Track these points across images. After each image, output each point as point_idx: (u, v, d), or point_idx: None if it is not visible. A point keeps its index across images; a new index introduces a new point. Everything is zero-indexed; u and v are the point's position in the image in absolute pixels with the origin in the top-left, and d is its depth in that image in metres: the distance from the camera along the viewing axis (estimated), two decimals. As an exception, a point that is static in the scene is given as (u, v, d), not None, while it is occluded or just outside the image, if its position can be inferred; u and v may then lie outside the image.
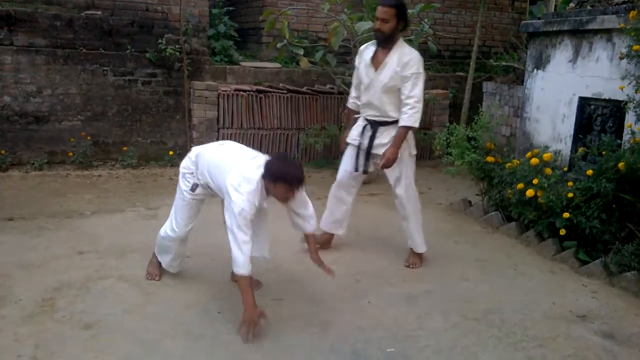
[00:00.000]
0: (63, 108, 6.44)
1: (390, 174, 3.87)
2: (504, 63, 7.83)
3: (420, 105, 3.66)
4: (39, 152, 6.35)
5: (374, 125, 3.83)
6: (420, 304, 3.42)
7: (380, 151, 3.79)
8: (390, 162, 3.72)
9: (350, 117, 4.12)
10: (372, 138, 3.82)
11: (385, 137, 3.79)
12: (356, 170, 3.95)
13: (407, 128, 3.69)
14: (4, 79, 6.15)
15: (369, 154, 3.89)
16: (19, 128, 6.28)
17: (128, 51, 6.57)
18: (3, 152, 6.09)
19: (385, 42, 3.70)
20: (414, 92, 3.64)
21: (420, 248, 4.03)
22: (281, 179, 2.89)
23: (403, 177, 3.87)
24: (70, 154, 6.37)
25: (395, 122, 3.75)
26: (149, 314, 3.15)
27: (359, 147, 3.91)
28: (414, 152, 3.95)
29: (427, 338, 3.02)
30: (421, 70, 3.67)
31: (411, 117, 3.65)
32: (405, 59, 3.64)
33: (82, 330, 2.94)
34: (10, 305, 3.15)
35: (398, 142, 3.70)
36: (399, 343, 2.95)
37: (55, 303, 3.20)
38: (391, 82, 3.69)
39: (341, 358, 2.79)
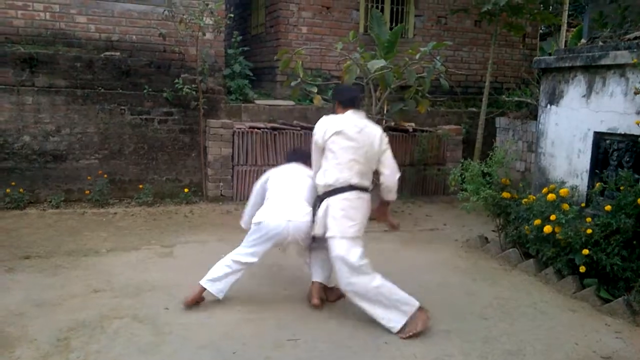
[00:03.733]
0: (81, 147, 6.55)
1: None
2: (516, 98, 7.86)
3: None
4: (56, 190, 6.44)
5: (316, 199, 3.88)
6: (439, 344, 3.34)
7: (316, 228, 3.74)
8: None
9: None
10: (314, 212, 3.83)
11: (318, 214, 3.76)
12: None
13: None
14: (25, 119, 6.30)
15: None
16: (37, 167, 6.39)
17: (145, 91, 6.72)
18: (21, 190, 6.19)
19: None
20: None
21: (394, 328, 3.47)
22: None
23: (335, 255, 3.60)
24: (87, 192, 6.45)
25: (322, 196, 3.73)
26: (163, 354, 3.11)
27: None
28: (331, 234, 3.56)
29: (447, 380, 2.93)
30: (313, 133, 3.77)
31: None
32: None
33: (97, 371, 2.91)
34: (24, 346, 3.13)
35: None
36: (418, 385, 2.87)
37: (70, 343, 3.18)
38: None
39: (359, 401, 2.72)
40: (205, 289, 3.69)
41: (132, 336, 3.31)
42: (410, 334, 3.38)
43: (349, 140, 3.58)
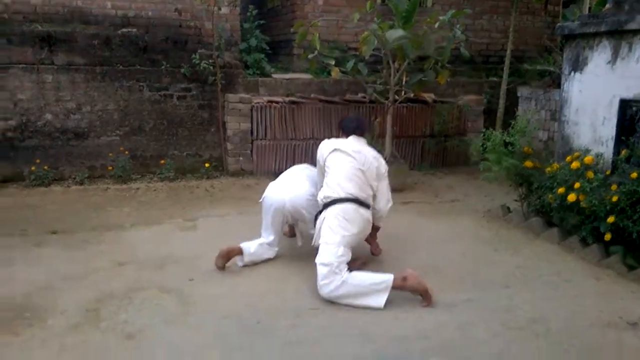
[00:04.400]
0: (102, 124, 6.62)
1: None
2: (538, 67, 7.69)
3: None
4: (79, 167, 6.53)
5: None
6: (461, 312, 3.35)
7: (315, 239, 3.89)
8: None
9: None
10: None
11: (317, 224, 3.89)
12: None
13: None
14: (46, 97, 6.37)
15: None
16: (60, 144, 6.48)
17: (163, 67, 6.72)
18: (46, 168, 6.29)
19: None
20: None
21: (380, 306, 3.45)
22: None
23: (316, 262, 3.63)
24: (110, 168, 6.53)
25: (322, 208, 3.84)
26: (188, 325, 3.17)
27: None
28: (323, 240, 3.62)
29: (470, 348, 2.94)
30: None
31: None
32: None
33: (125, 340, 2.98)
34: (56, 316, 3.22)
35: None
36: (442, 353, 2.88)
37: (99, 313, 3.26)
38: None
39: (382, 368, 2.75)
40: (241, 249, 3.93)
41: (157, 307, 3.38)
42: (428, 302, 3.40)
43: (347, 156, 3.79)
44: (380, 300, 3.39)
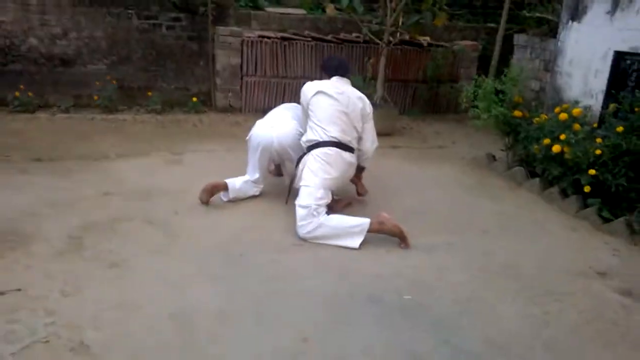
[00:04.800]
0: (89, 51, 6.45)
1: None
2: (537, 14, 7.52)
3: None
4: (65, 95, 6.42)
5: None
6: (440, 255, 3.44)
7: (296, 181, 3.94)
8: None
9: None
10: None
11: (299, 166, 3.90)
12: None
13: None
14: (30, 21, 6.17)
15: None
16: (45, 71, 6.34)
17: (152, -6, 6.49)
18: (30, 94, 6.17)
19: None
20: None
21: (355, 246, 3.53)
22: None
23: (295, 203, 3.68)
24: (96, 97, 6.43)
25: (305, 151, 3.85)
26: (172, 255, 3.23)
27: None
28: (304, 183, 3.66)
29: (445, 289, 3.05)
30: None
31: None
32: None
33: (108, 269, 3.03)
34: (40, 243, 3.25)
35: None
36: (416, 292, 2.99)
37: (83, 242, 3.30)
38: None
39: (359, 303, 2.85)
40: (225, 184, 3.96)
41: (142, 237, 3.43)
42: (405, 243, 3.50)
43: (330, 98, 3.71)
44: (355, 242, 3.47)
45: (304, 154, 3.77)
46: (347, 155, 3.73)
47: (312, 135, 3.72)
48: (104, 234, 3.43)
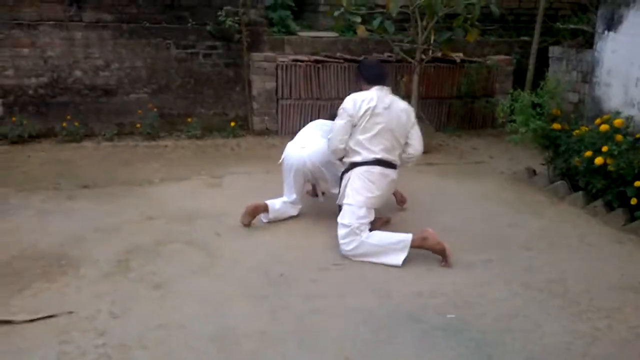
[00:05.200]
0: (130, 81, 6.70)
1: None
2: (571, 26, 7.43)
3: (331, 135, 3.80)
4: (108, 123, 6.66)
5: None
6: (481, 272, 3.40)
7: (339, 198, 3.87)
8: None
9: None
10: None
11: (342, 184, 3.85)
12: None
13: None
14: (75, 54, 6.46)
15: None
16: (89, 101, 6.60)
17: (189, 24, 6.72)
18: (77, 124, 6.43)
19: None
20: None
21: (398, 264, 3.52)
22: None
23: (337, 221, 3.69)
24: (138, 125, 6.65)
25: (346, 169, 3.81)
26: (214, 276, 3.30)
27: None
28: (347, 201, 3.64)
29: (487, 306, 3.00)
30: (343, 105, 3.73)
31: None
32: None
33: (153, 290, 3.12)
34: (88, 266, 3.38)
35: None
36: (458, 310, 2.95)
37: (129, 264, 3.41)
38: None
39: (400, 322, 2.83)
40: (267, 205, 4.00)
41: (185, 259, 3.51)
42: (447, 261, 3.45)
43: (377, 117, 3.63)
44: (398, 259, 3.46)
45: (346, 170, 3.76)
46: (390, 172, 3.70)
47: (355, 154, 3.69)
48: (148, 256, 3.53)
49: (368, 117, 3.62)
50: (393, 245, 3.49)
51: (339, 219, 3.63)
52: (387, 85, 3.82)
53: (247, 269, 3.38)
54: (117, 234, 3.88)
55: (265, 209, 4.04)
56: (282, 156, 4.13)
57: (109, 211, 4.30)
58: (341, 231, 3.57)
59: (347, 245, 3.54)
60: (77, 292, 3.07)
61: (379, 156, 3.66)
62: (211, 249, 3.66)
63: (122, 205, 4.43)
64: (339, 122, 3.71)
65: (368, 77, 3.81)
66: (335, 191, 3.99)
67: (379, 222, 3.98)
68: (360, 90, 3.80)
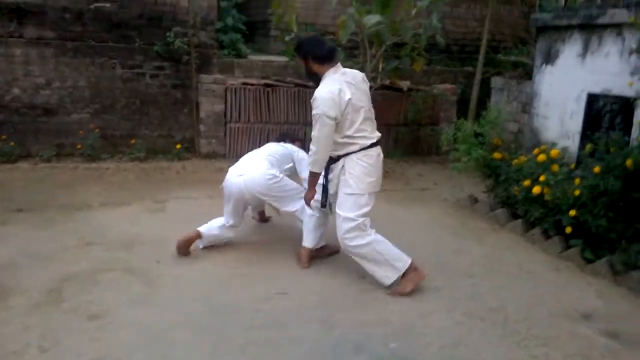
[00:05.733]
0: (72, 101, 6.48)
1: None
2: (513, 58, 7.78)
3: (313, 149, 3.39)
4: (47, 144, 6.40)
5: (329, 161, 3.56)
6: (426, 300, 3.42)
7: (330, 187, 3.60)
8: (305, 199, 3.65)
9: None
10: (326, 173, 3.60)
11: (334, 173, 3.57)
12: (322, 206, 3.69)
13: (310, 172, 3.50)
14: (14, 72, 6.20)
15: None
16: (28, 120, 6.34)
17: (136, 44, 6.60)
18: (12, 144, 6.14)
19: (314, 81, 3.58)
20: (312, 134, 3.41)
21: (385, 283, 3.52)
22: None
23: (336, 217, 3.54)
24: (79, 146, 6.41)
25: (337, 158, 3.53)
26: (155, 306, 3.17)
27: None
28: (350, 191, 3.46)
29: (432, 335, 3.02)
30: (319, 111, 3.33)
31: (309, 161, 3.48)
32: (312, 98, 3.43)
33: (88, 320, 2.97)
34: (18, 296, 3.19)
35: (309, 184, 3.58)
36: (402, 339, 2.95)
37: (62, 294, 3.24)
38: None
39: (344, 352, 2.80)
40: (200, 234, 3.88)
41: (124, 288, 3.37)
42: (398, 293, 3.44)
43: (356, 102, 3.41)
44: (389, 278, 3.45)
45: (335, 159, 3.52)
46: (380, 149, 3.56)
47: (348, 146, 3.44)
48: (84, 285, 3.37)
49: (350, 109, 3.38)
50: (393, 261, 3.45)
51: (340, 211, 3.44)
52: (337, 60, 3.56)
53: (188, 298, 3.27)
54: (52, 260, 3.69)
55: (198, 236, 3.90)
56: (223, 181, 3.98)
57: (44, 237, 4.09)
58: (346, 224, 3.41)
59: (351, 240, 3.42)
60: (4, 325, 2.88)
61: (374, 139, 3.50)
62: (151, 276, 3.53)
63: (59, 231, 4.23)
64: (324, 130, 3.35)
65: (319, 55, 3.46)
66: (288, 209, 3.92)
67: (324, 252, 3.96)
68: (312, 73, 3.52)
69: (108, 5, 6.57)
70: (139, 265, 3.68)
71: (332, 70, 3.47)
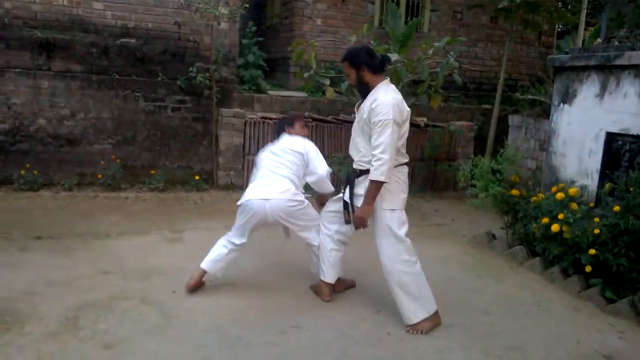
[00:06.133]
0: (95, 131, 6.64)
1: (374, 229, 3.51)
2: (530, 96, 7.81)
3: (385, 157, 3.21)
4: (69, 173, 6.53)
5: (353, 174, 3.51)
6: (441, 337, 3.37)
7: (357, 202, 3.44)
8: (358, 221, 3.41)
9: None
10: (351, 188, 3.48)
11: (361, 188, 3.43)
12: (346, 222, 3.55)
13: (374, 182, 3.28)
14: (40, 103, 6.39)
15: (351, 205, 3.49)
16: (51, 150, 6.49)
17: (160, 78, 6.78)
18: (36, 172, 6.28)
19: (362, 92, 3.46)
20: (379, 141, 3.23)
21: (410, 320, 3.46)
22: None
23: (379, 234, 3.46)
24: (100, 176, 6.54)
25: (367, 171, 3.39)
26: (169, 337, 3.17)
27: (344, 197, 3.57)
28: (390, 206, 3.40)
29: (447, 372, 2.96)
30: (390, 117, 3.21)
31: (376, 170, 3.24)
32: (374, 104, 3.27)
33: (103, 350, 2.97)
34: (34, 323, 3.21)
35: (367, 198, 3.34)
36: (418, 376, 2.90)
37: (79, 322, 3.26)
38: (360, 128, 3.43)
39: (359, 389, 2.76)
40: (205, 271, 3.79)
41: (139, 318, 3.37)
42: (417, 330, 3.41)
43: (408, 118, 3.42)
44: (417, 316, 3.40)
45: (358, 174, 3.45)
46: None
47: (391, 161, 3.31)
48: (100, 313, 3.38)
49: (406, 123, 3.38)
50: (424, 301, 3.43)
51: (393, 228, 3.36)
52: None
53: (202, 330, 3.26)
54: (69, 288, 3.72)
55: (204, 274, 3.80)
56: (242, 199, 3.78)
57: (62, 264, 4.14)
58: (399, 245, 3.37)
59: (400, 264, 3.38)
60: (19, 351, 2.90)
61: (407, 159, 3.51)
62: (167, 307, 3.53)
63: (77, 259, 4.28)
64: (394, 136, 3.25)
65: (374, 64, 3.37)
66: (304, 235, 3.85)
67: (341, 286, 3.94)
68: (363, 83, 3.41)
69: (133, 41, 6.79)
70: (155, 296, 3.69)
71: (385, 82, 3.40)
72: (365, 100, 3.40)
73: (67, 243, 4.61)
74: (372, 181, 3.28)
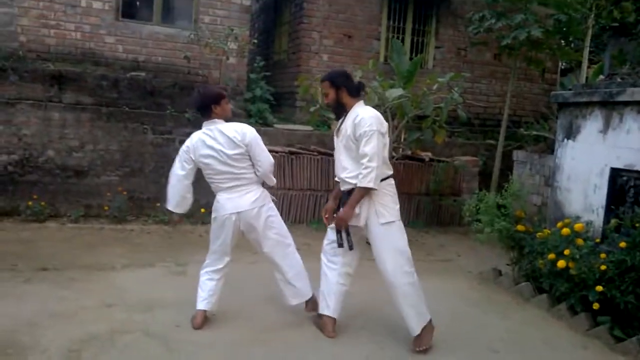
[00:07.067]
0: (102, 163, 6.70)
1: (372, 247, 3.58)
2: (534, 132, 7.86)
3: (373, 164, 3.33)
4: (76, 205, 6.57)
5: (345, 196, 3.58)
6: (447, 374, 3.32)
7: (353, 222, 3.50)
8: (339, 220, 3.50)
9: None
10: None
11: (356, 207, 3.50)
12: (339, 246, 3.60)
13: (362, 189, 3.39)
14: (50, 134, 6.48)
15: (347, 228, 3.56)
16: (59, 181, 6.54)
17: (168, 111, 6.88)
18: (42, 203, 6.32)
19: (339, 112, 3.65)
20: (366, 150, 3.36)
21: (415, 330, 3.59)
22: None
23: (379, 251, 3.52)
24: (106, 207, 6.56)
25: None
26: (171, 371, 3.14)
27: None
28: (386, 219, 3.49)
29: (453, 411, 2.91)
30: (374, 127, 3.38)
31: (364, 177, 3.34)
32: (357, 119, 3.43)
33: (105, 384, 2.94)
34: (37, 355, 3.19)
35: (351, 202, 3.43)
36: (423, 415, 2.85)
37: (81, 355, 3.23)
38: (344, 146, 3.54)
39: None
40: (206, 311, 3.77)
41: (141, 351, 3.35)
42: (425, 347, 3.52)
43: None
44: (418, 327, 3.52)
45: (345, 199, 3.54)
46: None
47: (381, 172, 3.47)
48: (102, 346, 3.36)
49: (386, 134, 3.56)
50: (422, 307, 3.56)
51: (395, 241, 3.50)
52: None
53: (206, 365, 3.23)
54: (73, 321, 3.70)
55: (205, 312, 3.78)
56: (214, 215, 3.92)
57: (66, 296, 4.13)
58: (401, 257, 3.50)
59: (406, 275, 3.52)
60: (20, 385, 2.87)
61: (391, 171, 3.63)
62: (169, 341, 3.50)
63: (81, 290, 4.27)
64: (380, 145, 3.42)
65: (352, 88, 3.59)
66: (284, 267, 3.89)
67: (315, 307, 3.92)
68: (341, 103, 3.57)
69: (143, 74, 6.92)
70: (158, 329, 3.67)
71: (360, 102, 3.61)
72: (346, 118, 3.57)
73: (71, 275, 4.61)
74: (359, 188, 3.40)
